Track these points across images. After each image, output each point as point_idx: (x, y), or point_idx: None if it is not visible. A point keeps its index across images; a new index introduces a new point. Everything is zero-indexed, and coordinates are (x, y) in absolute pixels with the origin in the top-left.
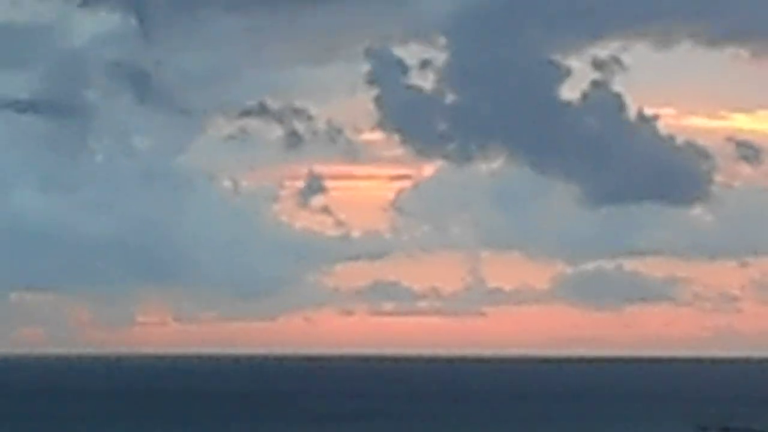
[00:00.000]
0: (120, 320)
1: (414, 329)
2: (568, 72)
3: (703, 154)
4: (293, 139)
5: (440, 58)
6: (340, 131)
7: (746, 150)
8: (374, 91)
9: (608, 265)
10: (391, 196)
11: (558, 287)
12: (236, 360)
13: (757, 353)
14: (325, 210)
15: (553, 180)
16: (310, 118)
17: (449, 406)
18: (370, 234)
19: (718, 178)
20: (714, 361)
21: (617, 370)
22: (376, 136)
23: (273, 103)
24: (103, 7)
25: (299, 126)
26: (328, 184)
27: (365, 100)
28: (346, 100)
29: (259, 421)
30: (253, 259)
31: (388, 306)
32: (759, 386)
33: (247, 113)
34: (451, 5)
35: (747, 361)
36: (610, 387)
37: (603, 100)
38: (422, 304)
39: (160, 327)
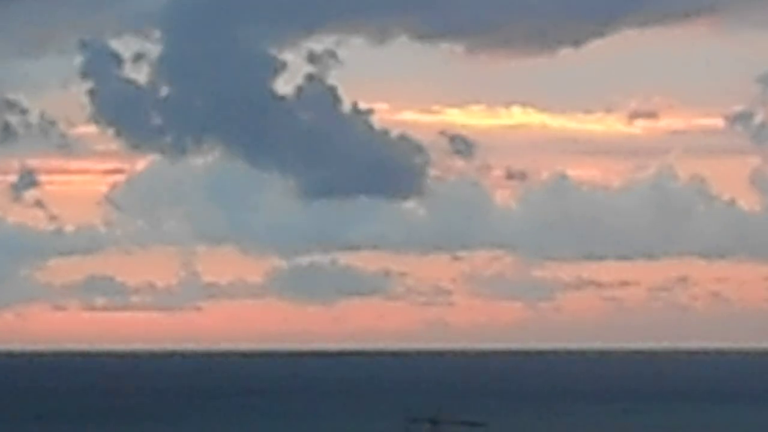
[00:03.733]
0: None
1: (128, 324)
2: (283, 66)
3: (416, 148)
4: (6, 133)
5: (155, 51)
6: (53, 124)
7: (459, 144)
8: (88, 84)
9: (322, 259)
10: (105, 190)
11: (272, 281)
12: None
13: (467, 345)
14: (38, 204)
15: (268, 174)
16: (23, 111)
17: (161, 400)
18: (84, 229)
19: (432, 172)
20: (425, 354)
21: (329, 364)
22: (90, 129)
23: None
24: None
25: (12, 119)
26: (42, 178)
27: (79, 93)
28: (59, 93)
29: None
30: None
31: (102, 301)
32: (468, 378)
33: None
34: None
35: (458, 354)
36: (322, 381)
37: (317, 94)
38: (136, 299)
39: None
